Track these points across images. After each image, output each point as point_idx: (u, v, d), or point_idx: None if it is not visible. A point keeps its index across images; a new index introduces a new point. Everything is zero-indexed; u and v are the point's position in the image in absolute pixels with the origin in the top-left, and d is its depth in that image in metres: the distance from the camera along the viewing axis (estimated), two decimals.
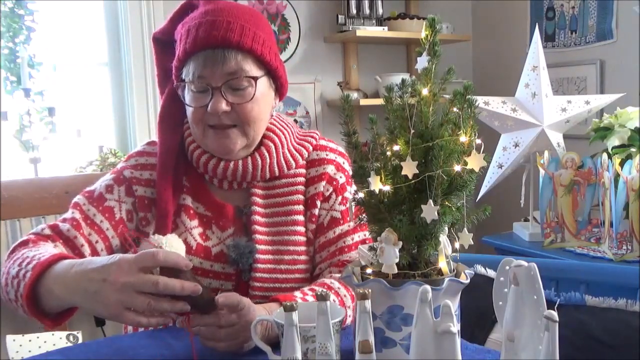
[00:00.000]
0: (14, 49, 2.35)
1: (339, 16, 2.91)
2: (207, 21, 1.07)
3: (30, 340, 1.83)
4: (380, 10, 2.99)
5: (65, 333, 1.88)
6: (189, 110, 1.12)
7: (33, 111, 2.32)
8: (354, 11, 2.92)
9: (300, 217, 1.19)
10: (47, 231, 1.11)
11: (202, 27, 1.07)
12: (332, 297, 1.07)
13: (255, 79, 1.10)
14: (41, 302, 0.96)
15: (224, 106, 1.07)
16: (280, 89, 1.19)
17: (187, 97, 1.11)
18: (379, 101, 2.85)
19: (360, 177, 0.86)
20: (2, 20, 2.30)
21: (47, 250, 1.02)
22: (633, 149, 1.98)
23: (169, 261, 0.87)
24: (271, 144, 1.17)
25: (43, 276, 0.94)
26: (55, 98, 2.42)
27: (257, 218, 1.16)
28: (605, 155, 1.94)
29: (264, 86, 1.13)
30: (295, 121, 2.98)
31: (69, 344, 1.81)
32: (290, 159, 1.20)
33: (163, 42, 1.20)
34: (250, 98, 1.09)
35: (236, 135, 1.11)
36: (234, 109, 1.09)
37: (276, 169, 1.18)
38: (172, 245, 0.96)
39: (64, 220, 1.13)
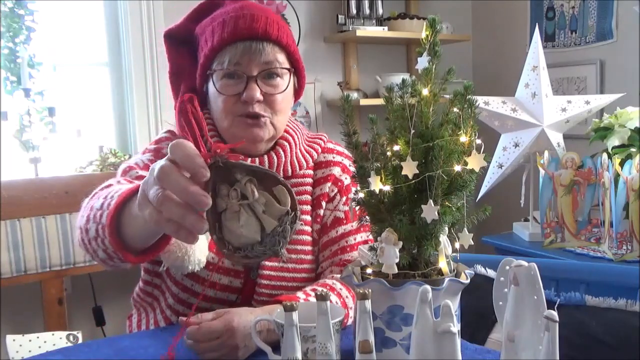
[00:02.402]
0: (14, 49, 2.35)
1: (339, 16, 2.91)
2: (246, 14, 1.10)
3: (30, 340, 1.83)
4: (380, 10, 2.99)
5: (65, 333, 1.89)
6: (218, 100, 1.12)
7: (33, 111, 2.32)
8: (354, 11, 2.92)
9: (307, 217, 1.21)
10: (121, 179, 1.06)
11: (241, 19, 1.10)
12: (335, 298, 1.08)
13: (290, 70, 1.15)
14: (123, 232, 0.86)
15: (258, 95, 1.10)
16: (299, 90, 1.23)
17: (218, 84, 1.12)
18: (379, 101, 2.85)
19: (360, 177, 0.86)
20: (2, 20, 2.30)
21: (130, 185, 0.93)
22: (633, 149, 1.98)
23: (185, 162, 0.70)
24: (286, 144, 1.19)
25: (127, 202, 0.85)
26: (55, 98, 2.42)
27: None
28: (605, 155, 1.94)
29: (291, 81, 1.17)
30: (296, 120, 2.98)
31: (69, 344, 1.81)
32: (302, 160, 1.22)
33: (177, 40, 1.20)
34: (283, 89, 1.13)
35: (265, 125, 1.13)
36: (266, 99, 1.12)
37: (289, 168, 1.19)
38: (199, 240, 0.97)
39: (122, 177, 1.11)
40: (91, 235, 0.92)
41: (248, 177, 0.72)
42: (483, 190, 2.26)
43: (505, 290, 0.77)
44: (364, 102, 2.89)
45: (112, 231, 0.86)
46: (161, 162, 0.70)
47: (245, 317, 0.96)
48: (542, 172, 2.07)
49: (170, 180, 0.68)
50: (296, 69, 1.18)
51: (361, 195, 0.86)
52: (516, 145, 2.16)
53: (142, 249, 0.90)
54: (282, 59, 1.13)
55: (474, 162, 0.79)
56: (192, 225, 0.69)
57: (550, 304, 0.70)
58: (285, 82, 1.14)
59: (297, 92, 1.23)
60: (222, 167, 0.71)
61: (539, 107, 2.13)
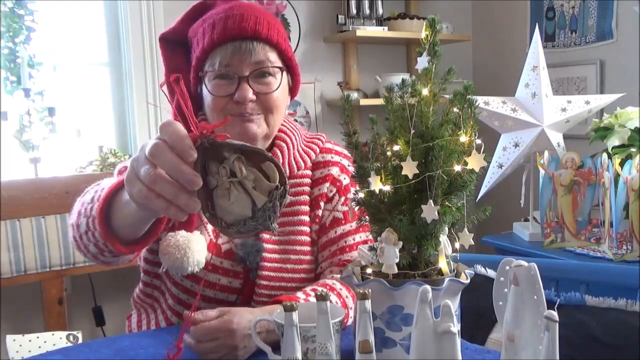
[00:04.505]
0: (14, 49, 2.35)
1: (339, 16, 2.91)
2: (235, 14, 1.10)
3: (30, 340, 1.83)
4: (380, 10, 2.99)
5: (65, 333, 1.89)
6: (210, 100, 1.12)
7: (33, 111, 2.32)
8: (354, 11, 2.92)
9: (306, 218, 1.20)
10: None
11: (230, 19, 1.09)
12: (334, 298, 1.07)
13: (281, 69, 1.14)
14: (113, 223, 0.90)
15: (251, 95, 1.09)
16: (293, 89, 1.22)
17: (210, 85, 1.12)
18: (379, 101, 2.85)
19: (360, 177, 0.86)
20: (2, 20, 2.30)
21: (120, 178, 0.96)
22: (633, 149, 1.98)
23: (173, 138, 0.71)
24: (283, 144, 1.19)
25: (116, 192, 0.89)
26: (55, 98, 2.42)
27: None
28: (605, 155, 1.94)
29: (284, 80, 1.16)
30: (295, 121, 2.98)
31: (69, 344, 1.81)
32: (300, 160, 1.22)
33: (173, 42, 1.20)
34: (275, 88, 1.12)
35: (259, 122, 1.13)
36: (259, 98, 1.11)
37: (287, 169, 1.19)
38: (198, 241, 0.97)
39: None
40: (82, 230, 0.94)
41: (236, 155, 0.73)
42: (483, 190, 2.26)
43: (505, 290, 0.77)
44: (364, 102, 2.89)
45: (101, 221, 0.88)
46: (153, 141, 0.71)
47: (245, 318, 0.95)
48: (542, 172, 2.07)
49: (162, 159, 0.70)
50: (289, 67, 1.17)
51: (361, 195, 0.86)
52: (516, 145, 2.16)
53: (133, 239, 0.90)
54: (273, 57, 1.12)
55: (474, 162, 0.79)
56: (184, 204, 0.71)
57: (550, 304, 0.70)
58: (277, 80, 1.13)
59: (292, 91, 1.22)
60: (210, 147, 0.72)
61: (539, 107, 2.13)
